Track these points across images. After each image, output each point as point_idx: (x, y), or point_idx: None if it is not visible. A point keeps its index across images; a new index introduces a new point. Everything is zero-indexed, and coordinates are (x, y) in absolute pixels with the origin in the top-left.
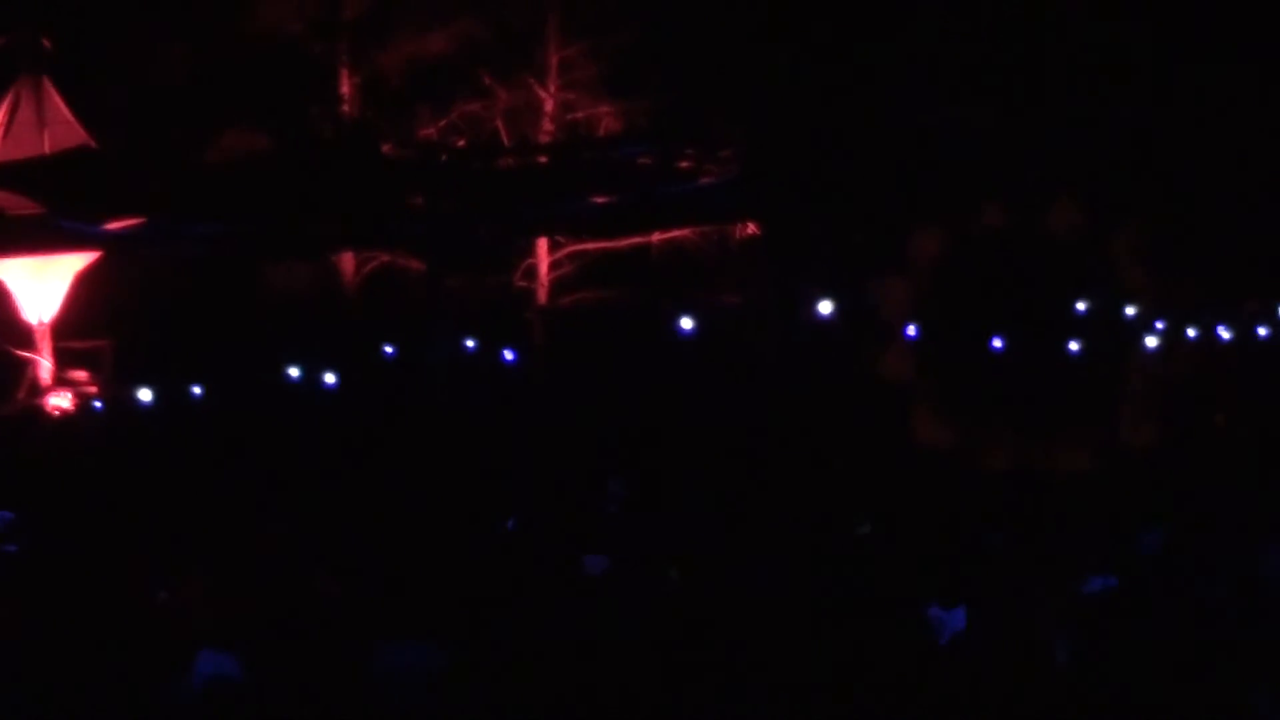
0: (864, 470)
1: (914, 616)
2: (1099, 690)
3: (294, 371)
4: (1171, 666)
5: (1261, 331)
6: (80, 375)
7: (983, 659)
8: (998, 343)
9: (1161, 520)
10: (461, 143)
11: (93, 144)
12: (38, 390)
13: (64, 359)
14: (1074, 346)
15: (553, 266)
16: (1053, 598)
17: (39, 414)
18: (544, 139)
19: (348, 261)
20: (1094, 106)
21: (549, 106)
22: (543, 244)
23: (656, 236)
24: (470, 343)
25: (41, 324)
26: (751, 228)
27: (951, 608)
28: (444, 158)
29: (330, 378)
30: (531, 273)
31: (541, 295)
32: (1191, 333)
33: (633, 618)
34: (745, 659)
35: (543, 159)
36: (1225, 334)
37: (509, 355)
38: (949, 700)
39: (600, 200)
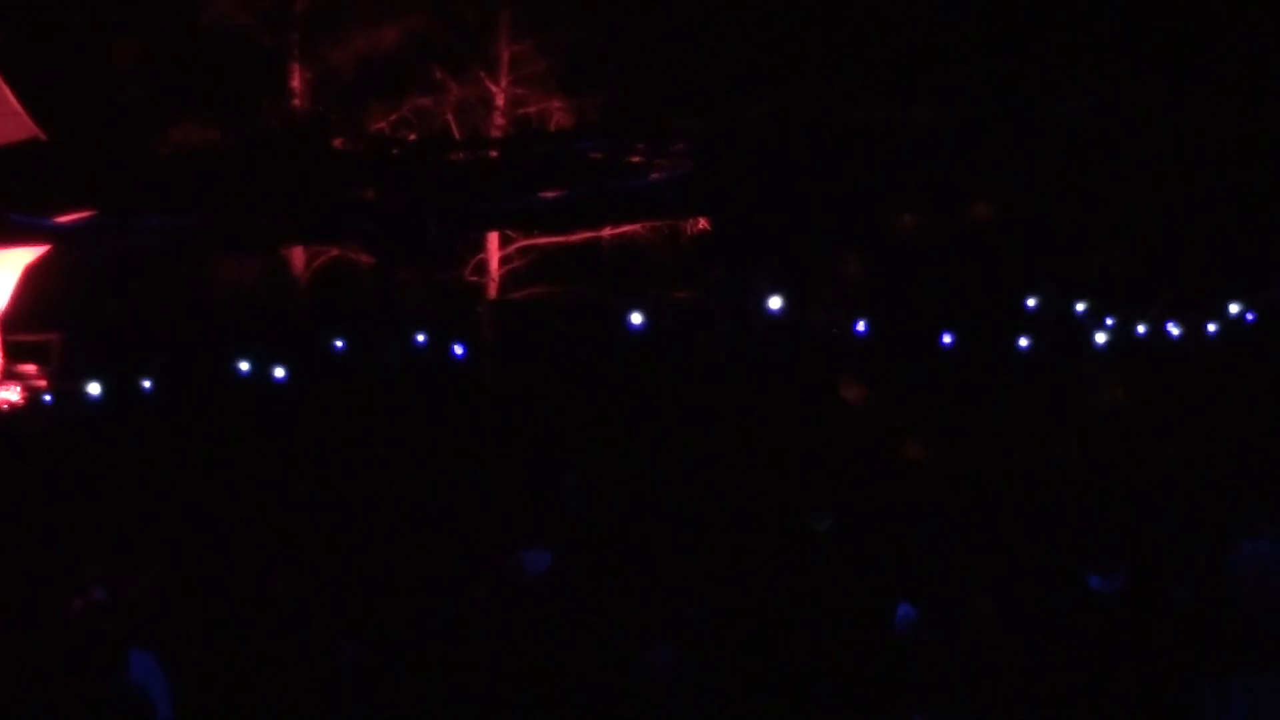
0: (821, 467)
1: (878, 614)
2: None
3: (244, 365)
4: (1128, 662)
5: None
6: (29, 369)
7: (941, 653)
8: (947, 339)
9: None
10: (412, 137)
11: (42, 136)
12: None
13: (13, 352)
14: (1023, 343)
15: (503, 261)
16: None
17: None
18: (495, 133)
19: (298, 255)
20: (1039, 103)
21: (500, 101)
22: (493, 238)
23: (608, 231)
24: (420, 337)
25: None
26: (703, 223)
27: (916, 604)
28: (395, 152)
29: (280, 372)
30: (482, 267)
31: (492, 290)
32: (1142, 329)
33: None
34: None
35: (494, 153)
36: (1175, 330)
37: (459, 350)
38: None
39: (551, 195)
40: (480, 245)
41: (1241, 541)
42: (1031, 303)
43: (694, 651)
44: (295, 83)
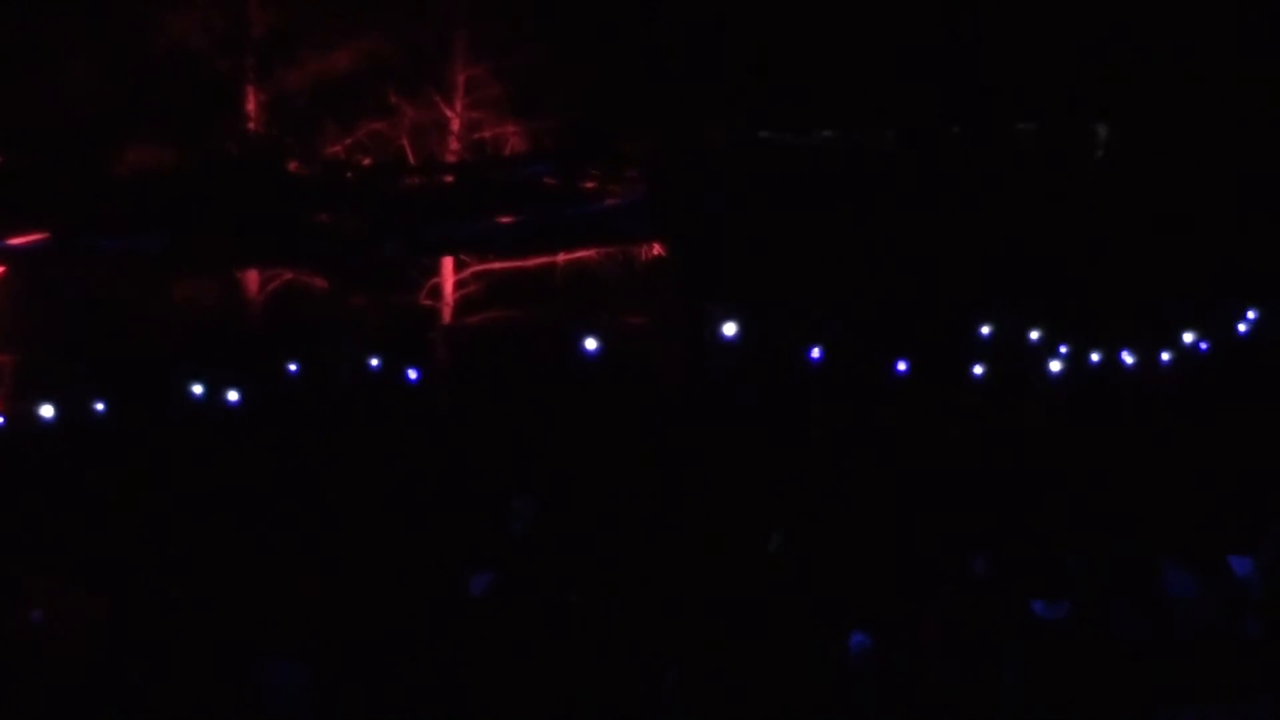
0: (773, 488)
1: (830, 638)
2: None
3: (197, 388)
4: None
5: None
6: None
7: (888, 679)
8: (901, 366)
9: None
10: (367, 161)
11: None
12: None
13: None
14: (977, 370)
15: (458, 286)
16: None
17: None
18: (450, 158)
19: (252, 279)
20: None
21: (455, 125)
22: (448, 263)
23: (562, 257)
24: (374, 361)
25: None
26: (657, 248)
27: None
28: (349, 176)
29: (233, 395)
30: (436, 292)
31: (446, 314)
32: (1095, 357)
33: (520, 638)
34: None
35: (448, 178)
36: (1129, 358)
37: (412, 374)
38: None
39: (506, 220)
40: (435, 269)
41: (1172, 571)
42: (986, 330)
43: (646, 672)
44: (250, 106)
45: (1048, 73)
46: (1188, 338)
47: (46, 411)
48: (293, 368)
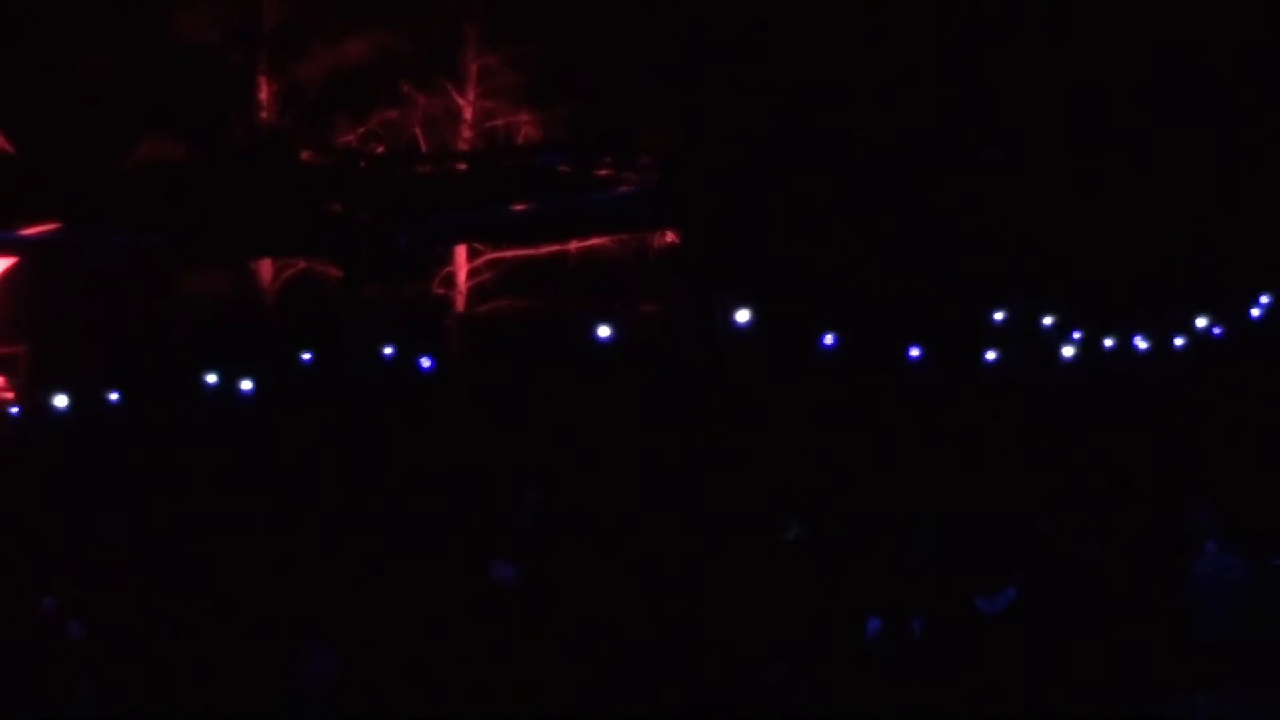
0: (789, 478)
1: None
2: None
3: (211, 378)
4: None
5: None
6: None
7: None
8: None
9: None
10: (380, 150)
11: (8, 149)
12: None
13: None
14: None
15: (471, 274)
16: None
17: None
18: (463, 146)
19: (265, 269)
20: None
21: (468, 114)
22: (461, 251)
23: (575, 245)
24: (388, 350)
25: None
26: (670, 236)
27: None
28: (362, 165)
29: (247, 385)
30: (450, 280)
31: (460, 303)
32: (1109, 343)
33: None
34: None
35: (461, 166)
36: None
37: (426, 363)
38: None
39: (519, 208)
40: (448, 258)
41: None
42: (999, 316)
43: (660, 663)
44: (263, 97)
45: (1061, 68)
46: (1200, 323)
47: (60, 402)
48: (306, 357)
